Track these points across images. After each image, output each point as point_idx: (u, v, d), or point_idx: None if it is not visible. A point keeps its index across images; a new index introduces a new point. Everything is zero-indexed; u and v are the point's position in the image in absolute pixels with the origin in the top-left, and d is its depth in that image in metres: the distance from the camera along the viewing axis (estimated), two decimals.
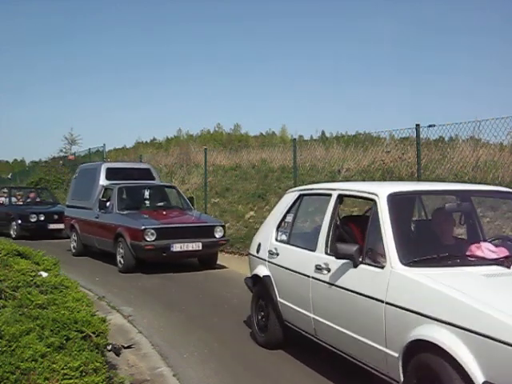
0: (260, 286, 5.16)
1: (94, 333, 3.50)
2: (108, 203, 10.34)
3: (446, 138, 9.87)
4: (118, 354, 4.28)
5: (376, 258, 3.57)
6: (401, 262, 3.35)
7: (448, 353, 2.80)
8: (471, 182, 7.62)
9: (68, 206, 12.37)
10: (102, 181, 11.09)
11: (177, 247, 9.03)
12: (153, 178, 11.82)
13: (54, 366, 2.98)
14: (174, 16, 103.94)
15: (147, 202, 10.59)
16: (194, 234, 9.26)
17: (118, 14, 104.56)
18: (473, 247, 3.63)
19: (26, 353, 2.99)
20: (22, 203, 16.14)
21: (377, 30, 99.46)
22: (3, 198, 16.12)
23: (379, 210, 3.66)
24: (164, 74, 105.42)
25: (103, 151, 21.41)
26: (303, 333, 4.51)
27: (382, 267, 3.43)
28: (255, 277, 5.25)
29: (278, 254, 4.89)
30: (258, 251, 5.29)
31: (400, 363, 3.18)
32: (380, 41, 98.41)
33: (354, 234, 4.31)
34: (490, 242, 3.79)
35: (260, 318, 5.16)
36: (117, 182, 10.78)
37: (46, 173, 24.33)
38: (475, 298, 2.85)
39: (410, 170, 9.65)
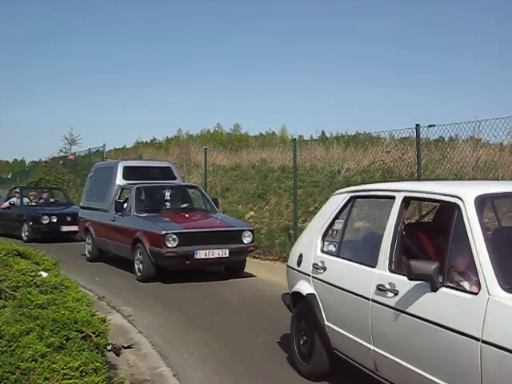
0: (302, 306, 4.36)
1: (93, 333, 3.49)
2: (125, 205, 9.46)
3: (446, 138, 9.86)
4: (117, 354, 4.28)
5: (463, 279, 2.90)
6: (502, 287, 2.56)
7: None
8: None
9: (82, 208, 11.45)
10: (119, 180, 10.18)
11: (201, 254, 8.19)
12: (174, 178, 10.78)
13: (54, 366, 2.98)
14: (174, 16, 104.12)
15: (168, 203, 9.67)
16: (220, 240, 8.40)
17: (118, 14, 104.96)
18: None
19: (26, 353, 2.98)
20: (34, 204, 15.19)
21: (377, 30, 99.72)
22: (14, 199, 15.34)
23: (465, 219, 2.87)
24: (164, 74, 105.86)
25: (103, 151, 21.37)
26: (360, 366, 3.69)
27: (475, 293, 2.67)
28: (296, 294, 4.43)
29: (324, 269, 4.10)
30: (299, 264, 4.48)
31: None
32: (380, 41, 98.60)
33: (424, 247, 3.59)
34: None
35: (302, 343, 4.36)
36: (135, 181, 9.87)
37: (45, 173, 24.25)
38: None
39: (410, 170, 9.65)
